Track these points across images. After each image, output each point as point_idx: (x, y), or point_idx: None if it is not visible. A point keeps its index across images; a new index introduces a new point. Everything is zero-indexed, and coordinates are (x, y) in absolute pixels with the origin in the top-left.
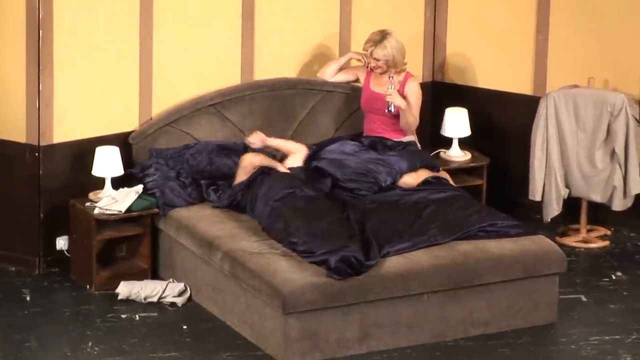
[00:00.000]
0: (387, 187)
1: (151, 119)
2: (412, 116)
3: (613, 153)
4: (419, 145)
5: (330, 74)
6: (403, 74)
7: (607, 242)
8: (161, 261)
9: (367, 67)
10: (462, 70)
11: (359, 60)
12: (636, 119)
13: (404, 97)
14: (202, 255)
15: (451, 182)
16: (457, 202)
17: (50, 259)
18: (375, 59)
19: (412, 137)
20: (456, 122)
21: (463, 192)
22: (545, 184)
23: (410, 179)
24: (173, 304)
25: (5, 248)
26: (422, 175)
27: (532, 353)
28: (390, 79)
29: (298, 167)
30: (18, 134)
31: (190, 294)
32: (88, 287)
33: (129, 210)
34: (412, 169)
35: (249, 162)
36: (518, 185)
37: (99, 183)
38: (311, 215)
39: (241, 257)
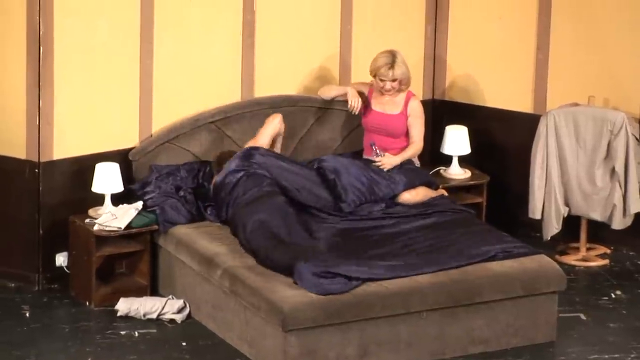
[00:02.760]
0: (390, 203)
1: (151, 135)
2: (412, 153)
3: (613, 171)
4: (418, 162)
5: (328, 97)
6: (404, 95)
7: (606, 261)
8: (161, 278)
9: (368, 91)
10: (463, 88)
11: (359, 91)
12: (636, 138)
13: (407, 116)
14: (201, 272)
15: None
16: (463, 227)
17: (50, 276)
18: (393, 80)
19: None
20: (456, 140)
21: (466, 212)
22: (545, 202)
23: (409, 196)
24: (172, 321)
25: (4, 264)
26: (420, 192)
27: None
28: (373, 147)
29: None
30: (18, 150)
31: (190, 310)
32: (87, 303)
33: (128, 226)
34: (411, 186)
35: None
36: (518, 203)
37: (99, 199)
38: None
39: (241, 274)
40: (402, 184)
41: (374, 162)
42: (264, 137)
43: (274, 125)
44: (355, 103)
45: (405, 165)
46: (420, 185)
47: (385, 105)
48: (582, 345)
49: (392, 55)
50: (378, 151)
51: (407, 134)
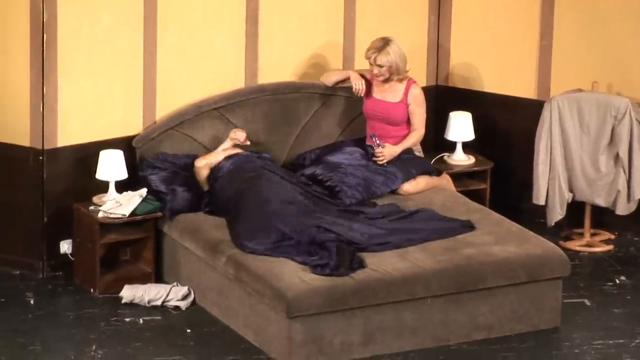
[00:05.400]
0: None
1: (155, 122)
2: (413, 141)
3: (617, 157)
4: (420, 150)
5: (331, 83)
6: (405, 82)
7: (610, 246)
8: (165, 265)
9: (370, 77)
10: (467, 75)
11: (362, 75)
12: None
13: (407, 105)
14: (206, 259)
15: (453, 186)
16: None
17: (54, 263)
18: (378, 65)
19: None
20: (460, 126)
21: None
22: (549, 188)
23: (410, 187)
24: (177, 308)
25: (9, 252)
26: (421, 182)
27: (536, 357)
28: (373, 138)
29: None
30: (22, 137)
31: (194, 297)
32: (92, 290)
33: (133, 213)
34: (409, 177)
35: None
36: (522, 189)
37: (103, 187)
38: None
39: (245, 260)
40: (400, 178)
41: (375, 154)
42: (219, 153)
43: (235, 140)
44: (359, 85)
45: (404, 155)
46: (419, 175)
47: (386, 93)
48: (587, 331)
49: (384, 42)
50: (378, 142)
51: (407, 122)
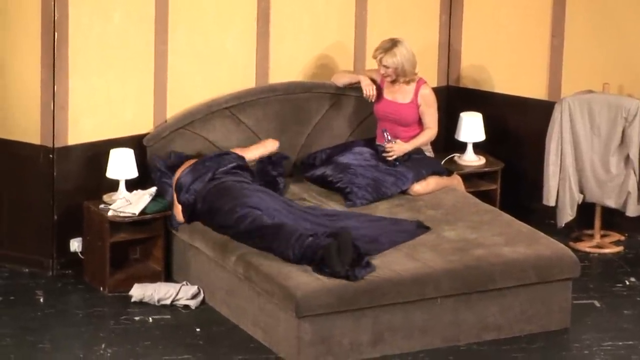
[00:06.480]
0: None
1: (166, 121)
2: (425, 140)
3: (627, 159)
4: (430, 150)
5: (341, 85)
6: (414, 84)
7: (620, 248)
8: (175, 264)
9: (380, 80)
10: (477, 75)
11: (372, 78)
12: None
13: (418, 106)
14: (215, 258)
15: (463, 187)
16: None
17: (64, 261)
18: (384, 66)
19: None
20: (471, 127)
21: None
22: (560, 189)
23: (420, 187)
24: (186, 307)
25: (19, 250)
26: (431, 182)
27: (545, 358)
28: (385, 133)
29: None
30: (33, 135)
31: (204, 296)
32: (101, 289)
33: (143, 212)
34: (419, 177)
35: None
36: (532, 190)
37: (113, 185)
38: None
39: (255, 260)
40: (410, 179)
41: (385, 149)
42: (252, 154)
43: (268, 150)
44: (370, 92)
45: (414, 155)
46: (429, 175)
47: (396, 94)
48: (596, 332)
49: (392, 43)
50: (389, 138)
51: (418, 123)
